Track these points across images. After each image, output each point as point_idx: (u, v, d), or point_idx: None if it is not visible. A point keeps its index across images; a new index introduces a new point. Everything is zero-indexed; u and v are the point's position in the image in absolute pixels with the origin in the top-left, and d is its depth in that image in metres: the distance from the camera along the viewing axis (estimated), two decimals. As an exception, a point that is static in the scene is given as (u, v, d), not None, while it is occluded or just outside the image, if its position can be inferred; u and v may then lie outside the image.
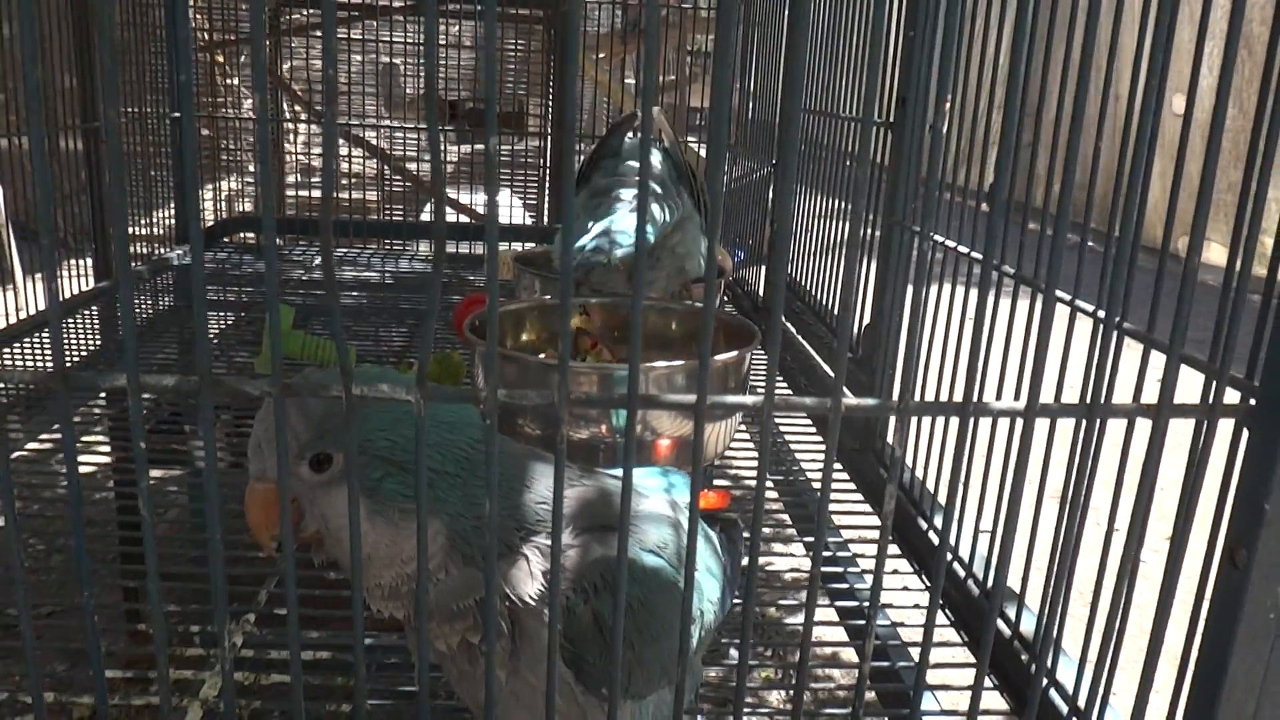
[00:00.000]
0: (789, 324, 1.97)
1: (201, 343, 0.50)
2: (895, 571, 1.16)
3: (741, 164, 2.43)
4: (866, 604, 1.10)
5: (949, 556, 1.11)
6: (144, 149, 2.35)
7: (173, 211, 2.48)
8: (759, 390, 1.45)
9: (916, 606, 1.11)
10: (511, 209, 3.08)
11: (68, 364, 1.73)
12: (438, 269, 0.51)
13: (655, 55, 0.49)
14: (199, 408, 0.52)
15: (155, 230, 2.51)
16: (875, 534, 1.24)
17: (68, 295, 1.98)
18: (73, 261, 2.13)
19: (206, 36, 3.10)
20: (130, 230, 2.30)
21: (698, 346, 1.48)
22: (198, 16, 2.86)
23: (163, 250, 2.38)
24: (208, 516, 0.56)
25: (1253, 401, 0.61)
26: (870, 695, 1.10)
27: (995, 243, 0.51)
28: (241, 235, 2.77)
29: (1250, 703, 0.62)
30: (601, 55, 4.01)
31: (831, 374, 1.60)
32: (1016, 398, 0.59)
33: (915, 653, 1.03)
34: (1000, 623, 0.97)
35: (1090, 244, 0.95)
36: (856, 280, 1.51)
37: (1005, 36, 1.01)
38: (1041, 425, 0.91)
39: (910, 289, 1.23)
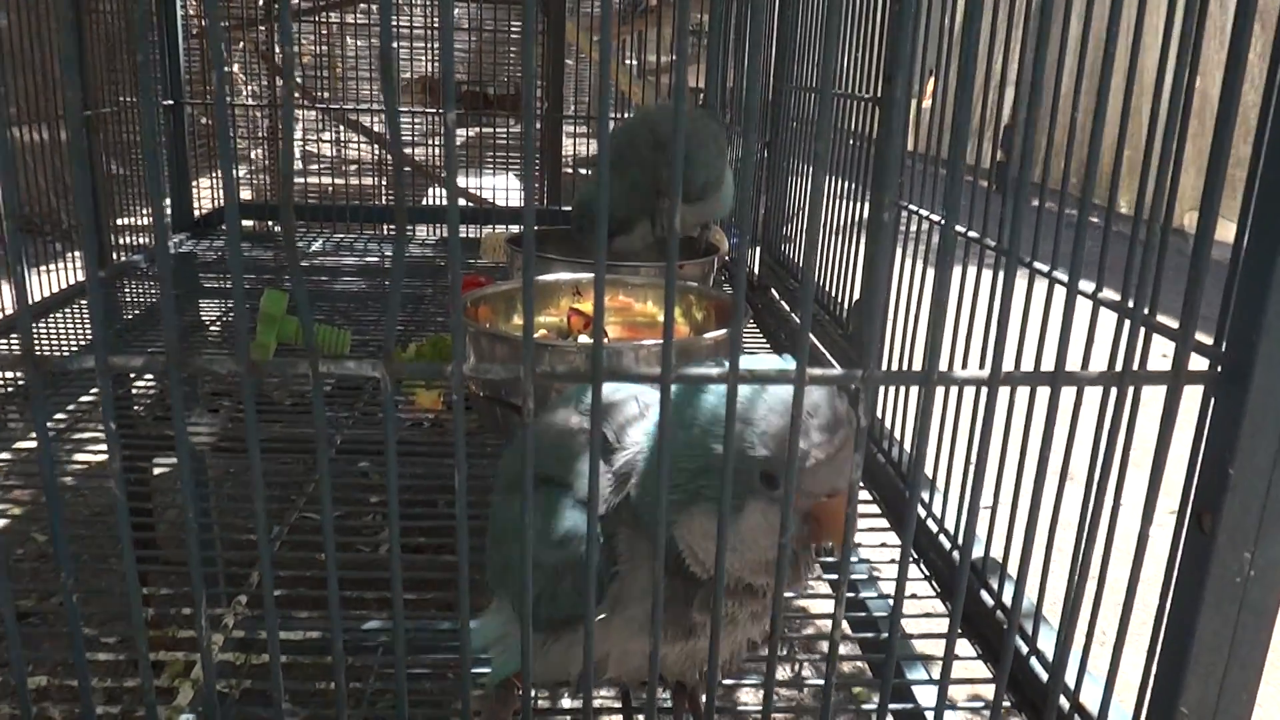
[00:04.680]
0: (784, 303, 1.97)
1: (169, 321, 0.51)
2: (884, 545, 1.17)
3: (736, 143, 2.42)
4: (856, 577, 1.11)
5: (935, 529, 1.11)
6: (140, 137, 2.36)
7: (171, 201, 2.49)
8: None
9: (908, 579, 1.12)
10: (509, 191, 3.08)
11: (69, 352, 1.74)
12: (400, 252, 0.51)
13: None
14: (171, 387, 0.53)
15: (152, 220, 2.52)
16: (868, 509, 1.25)
17: (69, 284, 2.00)
18: (75, 253, 2.14)
19: (201, 24, 3.09)
20: (129, 220, 2.31)
21: (699, 322, 1.48)
22: (193, 2, 2.85)
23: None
24: (184, 494, 0.57)
25: (1219, 368, 0.61)
26: (864, 666, 1.11)
27: (955, 210, 0.52)
28: (239, 223, 2.78)
29: (1219, 665, 0.62)
30: (600, 37, 3.99)
31: (824, 350, 1.60)
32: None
33: (905, 625, 1.03)
34: (985, 595, 0.98)
35: (1071, 212, 0.95)
36: (846, 255, 1.51)
37: (1001, 12, 1.01)
38: (1025, 398, 0.92)
39: (879, 257, 1.23)
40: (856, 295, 1.46)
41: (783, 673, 2.13)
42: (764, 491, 0.65)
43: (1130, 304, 0.74)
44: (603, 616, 0.70)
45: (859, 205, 1.45)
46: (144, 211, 2.43)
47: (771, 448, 0.64)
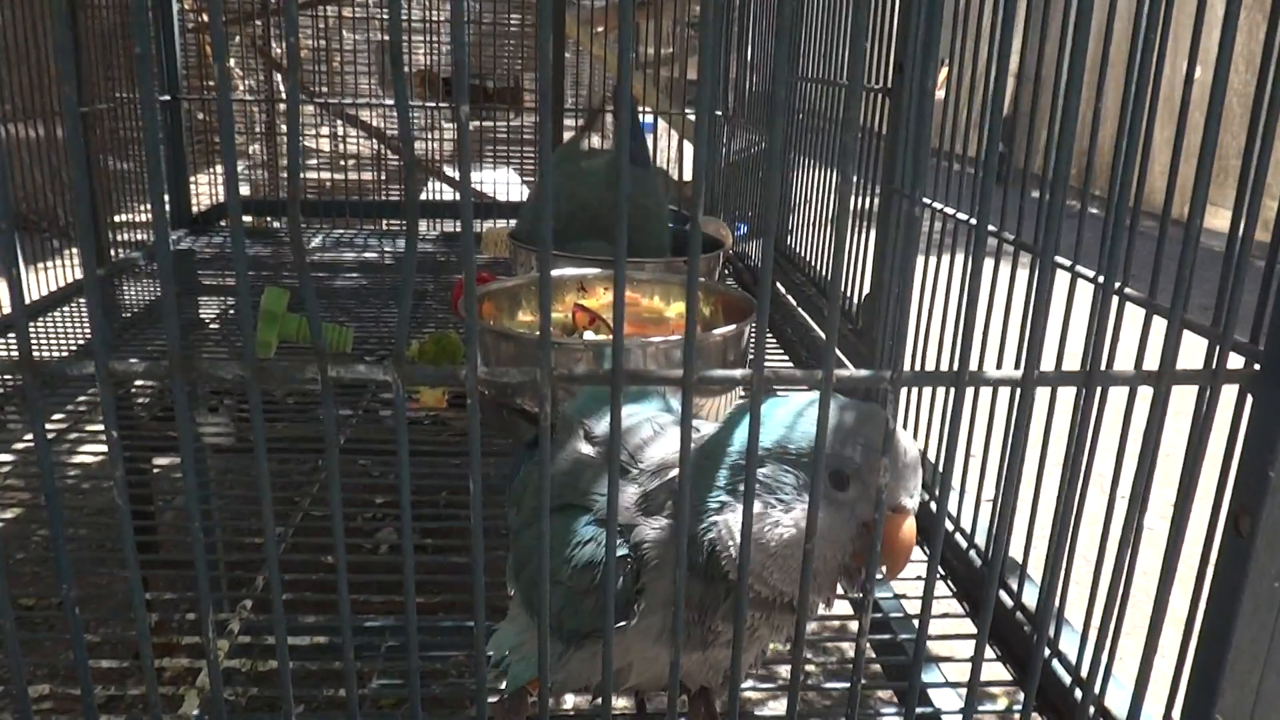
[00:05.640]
0: (790, 297, 1.95)
1: (170, 326, 0.49)
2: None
3: (741, 137, 2.40)
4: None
5: (950, 527, 1.10)
6: (138, 134, 2.34)
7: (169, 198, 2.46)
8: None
9: (919, 578, 1.10)
10: (509, 185, 3.06)
11: (67, 352, 1.72)
12: (411, 249, 0.49)
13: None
14: (175, 396, 0.51)
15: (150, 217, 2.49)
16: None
17: (66, 282, 1.98)
18: (73, 251, 2.11)
19: (202, 18, 3.07)
20: (128, 217, 2.29)
21: (707, 317, 1.46)
22: (189, -1, 2.83)
23: (158, 236, 2.36)
24: (188, 500, 0.55)
25: (1257, 366, 0.59)
26: (876, 669, 1.09)
27: (987, 204, 0.50)
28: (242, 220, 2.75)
29: (1255, 673, 0.60)
30: (599, 30, 3.97)
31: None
32: (1016, 367, 0.57)
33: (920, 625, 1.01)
34: (1003, 595, 0.96)
35: (1094, 211, 0.93)
36: (856, 249, 1.49)
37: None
38: (1045, 395, 0.90)
39: (905, 257, 1.21)
40: (866, 289, 1.44)
41: (787, 670, 2.11)
42: (830, 492, 0.62)
43: (1160, 301, 0.72)
44: (623, 625, 0.68)
45: (868, 198, 1.43)
46: (141, 208, 2.40)
47: (847, 446, 0.61)
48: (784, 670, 2.11)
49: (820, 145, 1.82)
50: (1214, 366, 0.56)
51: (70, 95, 0.45)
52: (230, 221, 0.45)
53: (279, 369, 0.51)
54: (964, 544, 1.07)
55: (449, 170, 3.33)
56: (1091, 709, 0.78)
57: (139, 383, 1.67)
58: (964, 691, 0.92)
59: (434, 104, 3.08)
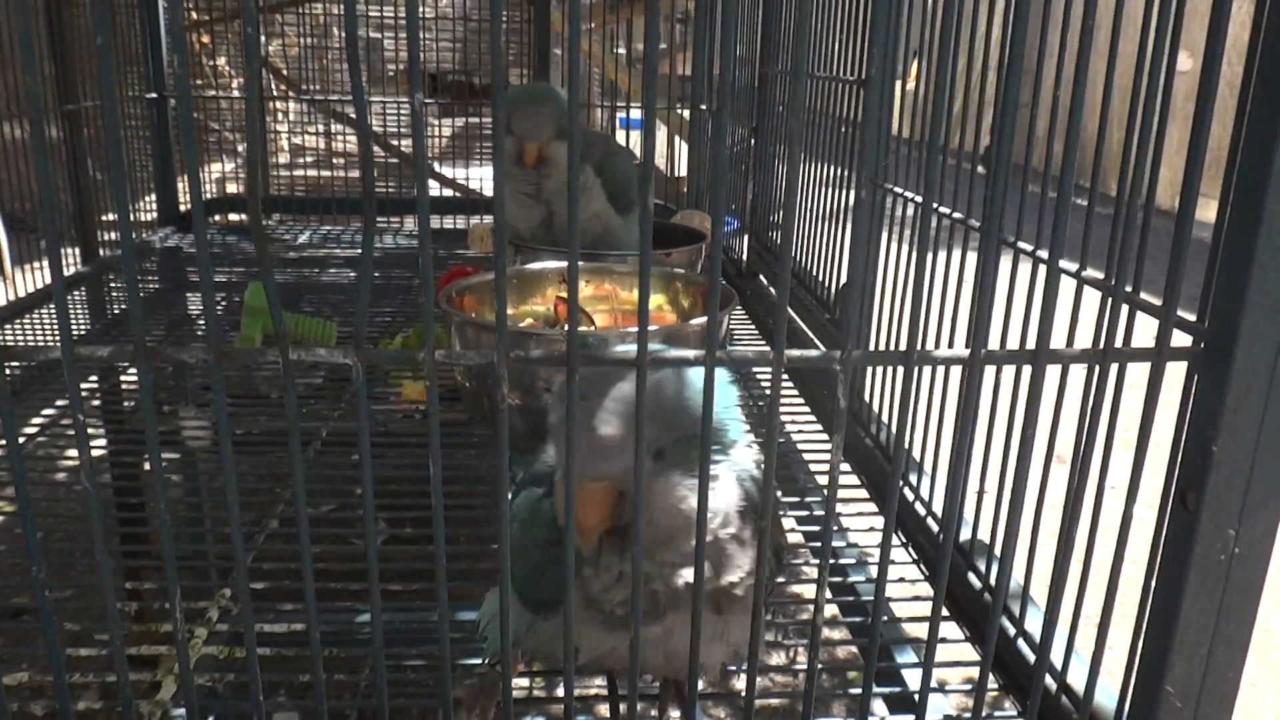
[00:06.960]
0: (772, 289, 1.96)
1: (134, 309, 0.50)
2: (872, 529, 1.16)
3: (727, 131, 2.41)
4: (845, 561, 1.11)
5: (923, 512, 1.11)
6: (131, 131, 2.34)
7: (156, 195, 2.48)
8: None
9: (894, 563, 1.11)
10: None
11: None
12: (369, 239, 0.50)
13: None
14: (140, 376, 0.52)
15: (140, 215, 2.50)
16: (857, 494, 1.25)
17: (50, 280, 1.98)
18: (64, 250, 2.12)
19: (192, 15, 3.07)
20: (111, 215, 2.30)
21: (686, 309, 1.48)
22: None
23: (146, 234, 2.38)
24: (156, 490, 0.56)
25: (1202, 344, 0.61)
26: (858, 651, 1.11)
27: (933, 188, 0.51)
28: (227, 216, 2.75)
29: (1204, 644, 0.62)
30: (589, 26, 3.97)
31: (813, 334, 1.59)
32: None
33: (895, 609, 1.03)
34: (973, 578, 0.98)
35: (1080, 202, 0.94)
36: (834, 240, 1.50)
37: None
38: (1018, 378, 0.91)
39: (876, 244, 1.22)
40: (843, 280, 1.45)
41: (778, 658, 2.13)
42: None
43: (1113, 281, 0.73)
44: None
45: (846, 190, 1.44)
46: (131, 206, 2.40)
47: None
48: (771, 659, 2.12)
49: (804, 139, 1.83)
50: (1159, 345, 0.58)
51: (34, 87, 0.46)
52: (191, 202, 0.46)
53: (242, 353, 0.52)
54: (935, 528, 1.08)
55: (437, 166, 3.34)
56: (1054, 684, 0.80)
57: (130, 378, 1.68)
58: (936, 672, 0.94)
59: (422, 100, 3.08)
